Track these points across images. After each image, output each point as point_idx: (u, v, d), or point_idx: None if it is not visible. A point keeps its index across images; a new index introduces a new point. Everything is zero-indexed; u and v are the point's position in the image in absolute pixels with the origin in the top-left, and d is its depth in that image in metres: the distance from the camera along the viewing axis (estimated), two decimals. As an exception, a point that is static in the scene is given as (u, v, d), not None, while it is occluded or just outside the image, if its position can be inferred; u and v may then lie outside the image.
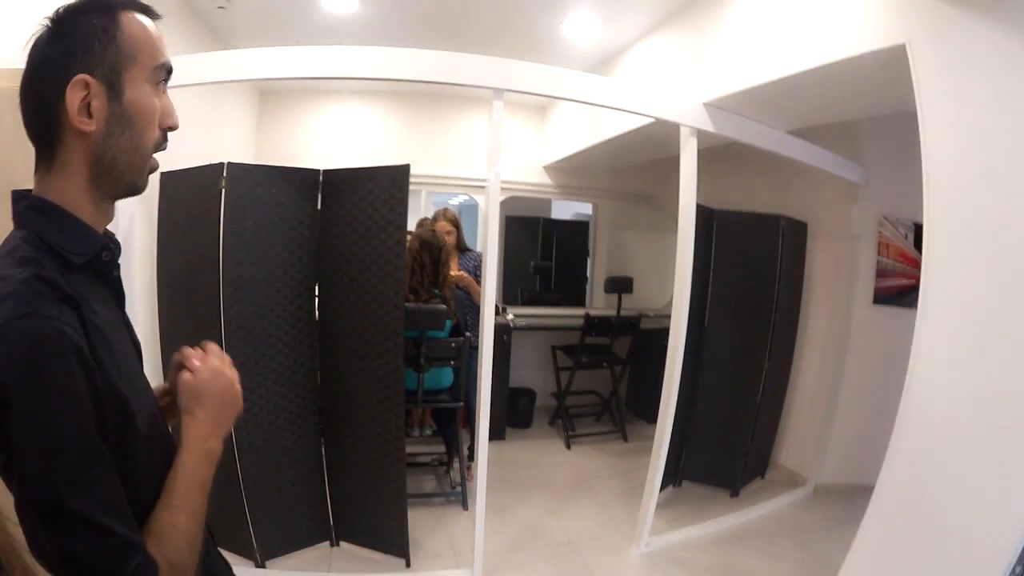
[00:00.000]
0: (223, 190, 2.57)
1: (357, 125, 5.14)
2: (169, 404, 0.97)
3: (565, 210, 6.21)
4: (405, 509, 2.85)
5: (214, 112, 4.01)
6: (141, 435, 0.75)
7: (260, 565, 2.85)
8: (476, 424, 2.73)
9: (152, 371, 2.78)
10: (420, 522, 3.21)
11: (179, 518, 0.77)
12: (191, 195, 2.75)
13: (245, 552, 2.87)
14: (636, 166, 5.29)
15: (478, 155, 4.94)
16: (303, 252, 2.77)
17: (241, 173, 2.62)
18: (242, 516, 2.78)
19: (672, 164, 2.86)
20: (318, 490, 3.00)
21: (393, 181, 2.63)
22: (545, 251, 5.95)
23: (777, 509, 3.60)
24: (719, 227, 3.52)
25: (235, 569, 2.68)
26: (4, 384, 0.60)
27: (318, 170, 2.80)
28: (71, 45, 0.74)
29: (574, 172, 5.41)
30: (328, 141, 5.07)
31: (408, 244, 3.39)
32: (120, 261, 0.90)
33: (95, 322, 0.71)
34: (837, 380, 3.76)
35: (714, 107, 2.79)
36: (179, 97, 2.61)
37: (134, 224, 2.85)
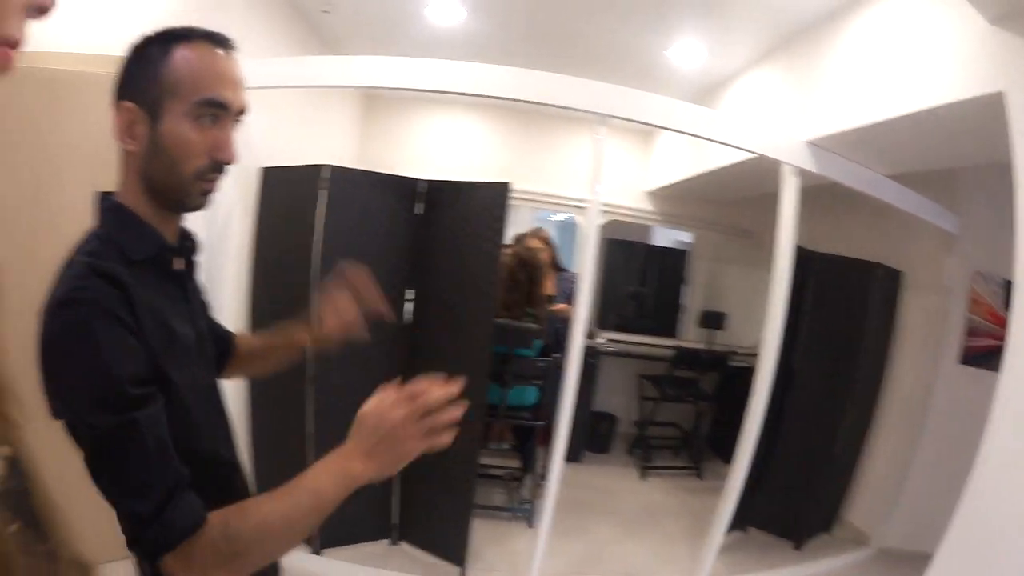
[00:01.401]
0: (322, 191, 2.74)
1: (462, 136, 5.32)
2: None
3: (666, 237, 6.17)
4: (470, 518, 2.91)
5: (319, 113, 4.23)
6: (179, 401, 0.83)
7: (316, 552, 2.98)
8: (562, 450, 2.71)
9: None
10: (483, 533, 3.27)
11: (269, 504, 0.78)
12: (289, 193, 2.95)
13: (303, 537, 3.04)
14: (738, 199, 5.17)
15: (581, 174, 5.04)
16: (398, 259, 2.91)
17: (341, 176, 2.79)
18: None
19: (774, 201, 2.86)
20: (385, 488, 3.11)
21: (494, 198, 2.73)
22: (642, 277, 5.93)
23: (837, 568, 3.44)
24: (815, 270, 3.41)
25: (290, 554, 2.89)
26: (58, 344, 0.75)
27: (420, 180, 2.95)
28: (130, 72, 0.87)
29: (676, 200, 5.34)
30: (432, 149, 5.26)
31: (506, 260, 3.51)
32: (199, 257, 1.02)
33: (147, 304, 0.82)
34: (915, 439, 3.54)
35: (816, 146, 2.74)
36: (285, 97, 2.84)
37: (232, 213, 3.08)
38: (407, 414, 0.83)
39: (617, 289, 5.68)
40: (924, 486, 3.51)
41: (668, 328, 5.75)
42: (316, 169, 2.78)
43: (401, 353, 2.98)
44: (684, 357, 4.42)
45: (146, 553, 0.75)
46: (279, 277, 3.00)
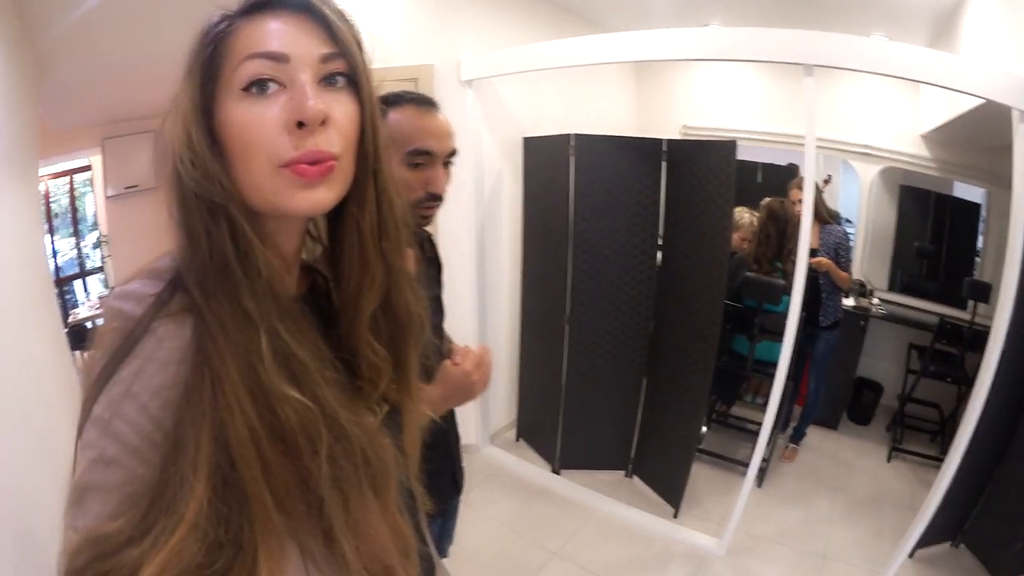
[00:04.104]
0: (572, 157, 3.30)
1: (739, 85, 5.34)
2: None
3: (967, 188, 5.22)
4: (690, 463, 3.27)
5: (595, 82, 4.75)
6: None
7: (555, 471, 3.59)
8: (774, 410, 2.87)
9: (508, 300, 3.95)
10: (713, 483, 3.57)
11: None
12: (546, 159, 3.55)
13: (547, 455, 3.65)
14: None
15: (854, 120, 4.83)
16: (646, 211, 3.37)
17: (587, 143, 3.32)
18: (554, 425, 3.55)
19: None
20: (629, 423, 3.60)
21: (724, 156, 3.03)
22: (934, 234, 5.37)
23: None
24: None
25: (532, 468, 3.74)
26: None
27: (661, 140, 3.35)
28: None
29: (956, 146, 4.55)
30: (711, 102, 5.43)
31: (760, 213, 3.77)
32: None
33: None
34: None
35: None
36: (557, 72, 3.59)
37: (503, 179, 3.78)
38: (482, 373, 1.24)
39: (907, 245, 5.30)
40: None
41: (955, 295, 5.03)
42: (566, 138, 3.35)
43: (650, 298, 3.47)
44: (947, 330, 4.14)
45: None
46: (543, 231, 3.66)
